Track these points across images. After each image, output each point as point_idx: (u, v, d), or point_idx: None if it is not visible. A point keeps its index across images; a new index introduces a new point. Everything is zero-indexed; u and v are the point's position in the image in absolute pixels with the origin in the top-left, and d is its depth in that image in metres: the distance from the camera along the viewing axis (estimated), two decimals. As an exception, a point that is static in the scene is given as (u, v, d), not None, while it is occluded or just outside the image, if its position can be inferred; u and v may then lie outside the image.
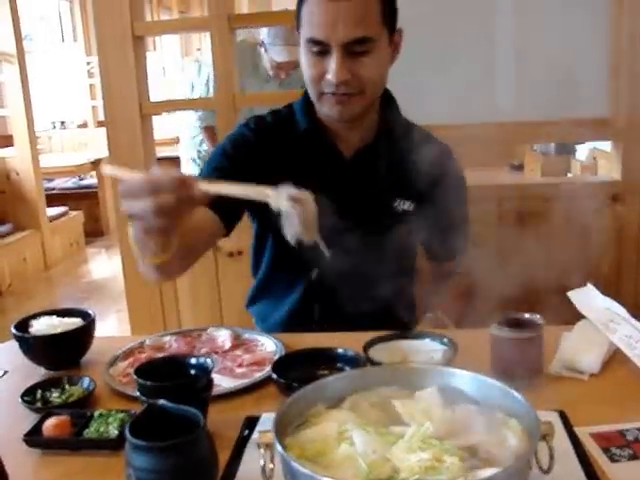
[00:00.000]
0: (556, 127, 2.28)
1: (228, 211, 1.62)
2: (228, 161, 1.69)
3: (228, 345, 1.54)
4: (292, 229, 1.18)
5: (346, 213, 1.70)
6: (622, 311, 1.48)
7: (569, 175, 3.27)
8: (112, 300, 5.04)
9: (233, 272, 1.81)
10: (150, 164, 2.49)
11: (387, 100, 1.75)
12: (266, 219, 1.75)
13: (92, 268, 6.49)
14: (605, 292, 1.61)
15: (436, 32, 2.33)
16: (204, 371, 1.19)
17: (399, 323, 1.62)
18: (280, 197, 1.16)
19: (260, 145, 1.71)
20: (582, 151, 3.15)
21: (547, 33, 2.26)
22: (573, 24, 2.25)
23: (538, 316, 1.35)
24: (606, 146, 2.69)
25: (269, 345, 1.53)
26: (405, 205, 1.73)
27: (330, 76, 1.54)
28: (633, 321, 1.45)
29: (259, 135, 1.72)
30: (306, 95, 1.72)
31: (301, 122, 1.72)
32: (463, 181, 1.84)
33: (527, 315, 1.36)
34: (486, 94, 2.32)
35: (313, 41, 1.53)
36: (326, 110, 1.63)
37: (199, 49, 11.81)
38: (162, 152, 8.28)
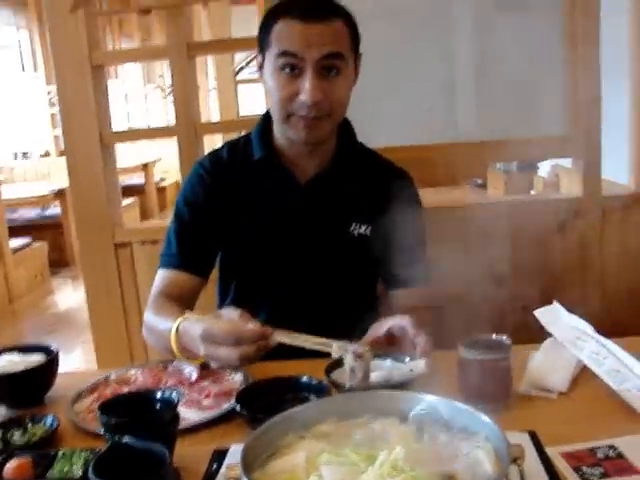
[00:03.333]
0: (517, 146, 2.29)
1: (203, 265, 1.77)
2: (191, 212, 1.77)
3: (195, 377, 1.51)
4: (353, 380, 1.32)
5: (302, 239, 1.74)
6: (588, 328, 1.49)
7: (532, 192, 3.30)
8: (79, 330, 4.97)
9: (199, 303, 1.79)
10: (112, 194, 2.47)
11: (344, 125, 1.77)
12: (232, 264, 1.81)
13: (58, 299, 6.39)
14: (570, 308, 1.62)
15: (394, 53, 2.34)
16: (169, 405, 1.17)
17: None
18: (344, 352, 1.33)
19: (217, 183, 1.76)
20: (544, 168, 3.18)
21: (505, 53, 2.28)
22: (529, 44, 2.27)
23: (505, 337, 1.34)
24: (568, 162, 2.71)
25: (237, 375, 1.51)
26: (361, 229, 1.75)
27: (304, 97, 1.56)
28: (599, 338, 1.46)
29: (214, 173, 1.77)
30: (262, 123, 1.76)
31: (256, 150, 1.75)
32: (420, 208, 1.85)
33: (495, 336, 1.35)
34: (446, 114, 2.33)
35: (286, 54, 1.55)
36: (292, 133, 1.65)
37: (161, 75, 11.80)
38: (127, 180, 8.27)
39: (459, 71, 2.33)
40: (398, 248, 1.73)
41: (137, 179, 8.93)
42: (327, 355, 1.51)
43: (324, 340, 1.37)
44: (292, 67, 1.56)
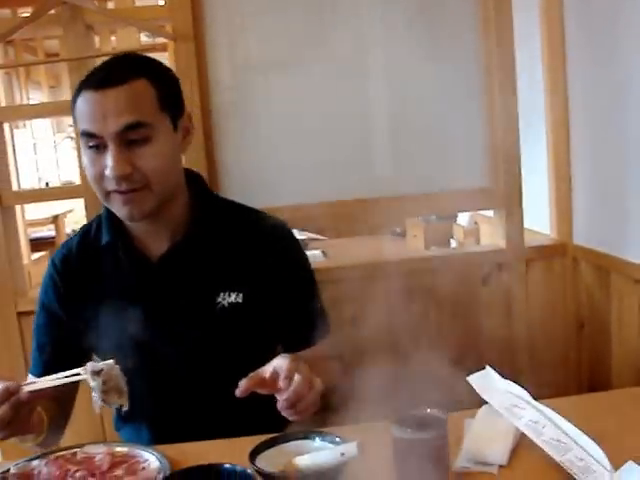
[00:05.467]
0: (437, 199, 2.25)
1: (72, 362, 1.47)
2: (47, 316, 1.67)
3: (107, 465, 1.38)
4: (97, 399, 1.32)
5: (166, 321, 1.58)
6: (524, 394, 1.43)
7: (452, 241, 3.28)
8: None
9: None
10: (14, 260, 2.30)
11: (195, 187, 1.64)
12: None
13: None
14: (499, 367, 1.57)
15: (307, 106, 2.27)
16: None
17: (271, 422, 1.40)
18: (87, 372, 1.31)
19: (68, 281, 1.64)
20: (463, 216, 3.16)
21: (422, 105, 2.25)
22: (448, 95, 2.25)
23: (441, 410, 1.26)
24: (487, 210, 2.70)
25: (152, 461, 1.38)
26: (232, 297, 1.59)
27: (108, 171, 1.43)
28: (537, 404, 1.39)
29: (65, 270, 1.65)
30: None
31: (104, 234, 1.62)
32: (303, 260, 1.72)
33: (429, 410, 1.27)
34: (364, 169, 2.27)
35: (87, 134, 1.45)
36: (116, 210, 1.52)
37: (71, 125, 11.52)
38: (36, 233, 7.98)
39: (377, 124, 2.28)
40: (284, 309, 1.62)
41: (47, 232, 8.64)
42: (251, 432, 1.40)
43: (71, 372, 1.33)
44: (96, 145, 1.45)
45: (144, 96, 1.46)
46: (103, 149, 1.44)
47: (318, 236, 3.40)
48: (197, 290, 1.59)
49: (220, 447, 1.40)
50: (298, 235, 3.27)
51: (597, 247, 2.20)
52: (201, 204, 1.63)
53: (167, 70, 1.56)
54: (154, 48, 3.24)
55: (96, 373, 1.30)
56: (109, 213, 1.60)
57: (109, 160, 1.43)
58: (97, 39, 3.55)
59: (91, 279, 1.62)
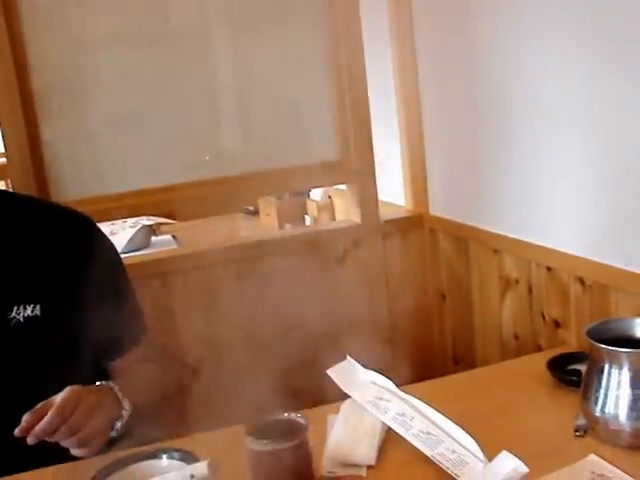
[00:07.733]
0: (288, 176, 2.11)
1: None
2: None
3: None
4: None
5: None
6: (389, 384, 1.33)
7: (307, 217, 3.17)
8: None
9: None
10: None
11: None
12: None
13: None
14: (362, 349, 1.48)
15: (145, 84, 2.07)
16: None
17: None
18: None
19: None
20: (317, 191, 3.06)
21: (269, 80, 2.10)
22: (295, 69, 2.12)
23: (299, 415, 1.14)
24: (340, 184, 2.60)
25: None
26: (27, 311, 1.38)
27: None
28: (403, 395, 1.30)
29: None
30: None
31: None
32: (111, 257, 1.54)
33: (287, 414, 1.14)
34: (211, 148, 2.10)
35: None
36: None
37: None
38: None
39: (223, 100, 2.10)
40: (92, 316, 1.40)
41: None
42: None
43: None
44: None
45: None
46: None
47: (167, 220, 3.20)
48: None
49: (61, 473, 1.25)
50: (145, 221, 3.09)
51: (454, 217, 2.13)
52: None
53: None
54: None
55: None
56: None
57: None
58: None
59: None
